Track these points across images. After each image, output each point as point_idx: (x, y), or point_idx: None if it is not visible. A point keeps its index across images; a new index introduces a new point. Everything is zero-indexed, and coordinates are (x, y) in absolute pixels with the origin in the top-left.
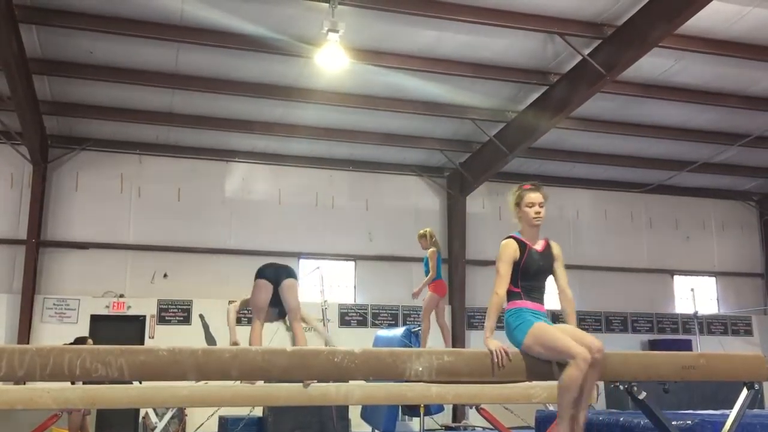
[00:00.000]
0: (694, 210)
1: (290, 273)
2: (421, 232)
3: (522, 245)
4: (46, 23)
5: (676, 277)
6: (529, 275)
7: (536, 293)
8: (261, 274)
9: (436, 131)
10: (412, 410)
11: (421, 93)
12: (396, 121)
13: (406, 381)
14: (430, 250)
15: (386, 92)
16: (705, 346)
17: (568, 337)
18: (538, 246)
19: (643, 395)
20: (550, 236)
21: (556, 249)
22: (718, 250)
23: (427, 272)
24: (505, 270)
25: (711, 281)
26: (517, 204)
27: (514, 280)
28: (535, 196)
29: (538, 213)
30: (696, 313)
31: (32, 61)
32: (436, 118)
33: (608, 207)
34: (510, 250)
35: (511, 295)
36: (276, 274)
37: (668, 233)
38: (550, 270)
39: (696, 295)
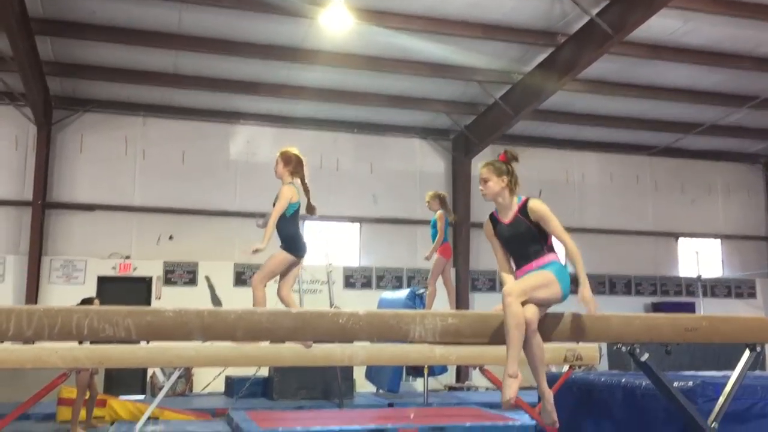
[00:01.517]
0: (700, 173)
1: None
2: (434, 193)
3: (493, 220)
4: None
5: (680, 240)
6: (506, 247)
7: (519, 261)
8: (300, 253)
9: (442, 93)
10: (416, 371)
11: (427, 54)
12: (401, 83)
13: (410, 342)
14: (439, 212)
15: (391, 53)
16: (708, 308)
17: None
18: (507, 217)
19: (645, 357)
20: (555, 199)
21: (534, 208)
22: (723, 213)
23: (434, 235)
24: (493, 248)
25: (716, 244)
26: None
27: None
28: (481, 172)
29: (482, 189)
30: (699, 276)
31: (34, 21)
32: (442, 80)
33: (614, 170)
34: (488, 229)
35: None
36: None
37: (674, 196)
38: (523, 237)
39: (700, 258)
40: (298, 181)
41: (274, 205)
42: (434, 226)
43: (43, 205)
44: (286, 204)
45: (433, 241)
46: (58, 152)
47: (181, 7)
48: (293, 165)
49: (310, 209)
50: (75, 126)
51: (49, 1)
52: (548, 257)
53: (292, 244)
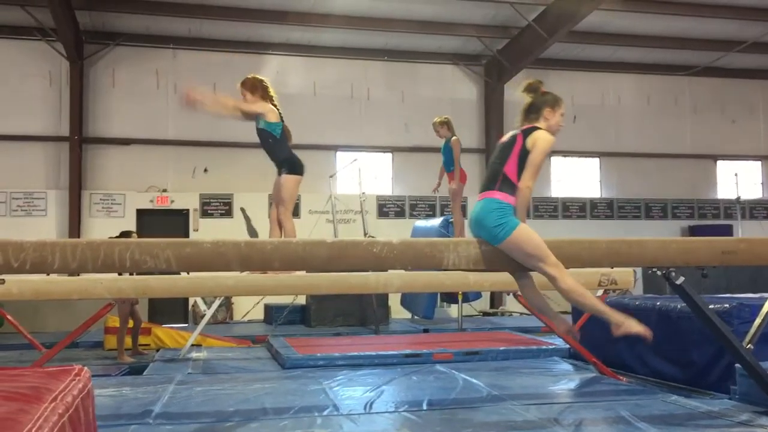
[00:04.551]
0: (741, 93)
1: None
2: (441, 119)
3: None
4: None
5: (719, 162)
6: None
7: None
8: (302, 171)
9: (473, 17)
10: (450, 297)
11: None
12: (431, 8)
13: (445, 270)
14: (454, 138)
15: None
16: (747, 231)
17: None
18: None
19: (680, 280)
20: (590, 124)
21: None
22: (765, 133)
23: (446, 162)
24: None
25: (756, 165)
26: (554, 107)
27: (520, 172)
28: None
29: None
30: (738, 198)
31: None
32: (473, 3)
33: (651, 92)
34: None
35: (513, 188)
36: None
37: (713, 118)
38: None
39: (740, 181)
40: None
41: (260, 133)
42: (446, 153)
43: (80, 140)
44: (255, 110)
45: (448, 168)
46: (91, 87)
47: None
48: (261, 90)
49: (287, 132)
50: (106, 60)
51: None
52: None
53: (295, 164)
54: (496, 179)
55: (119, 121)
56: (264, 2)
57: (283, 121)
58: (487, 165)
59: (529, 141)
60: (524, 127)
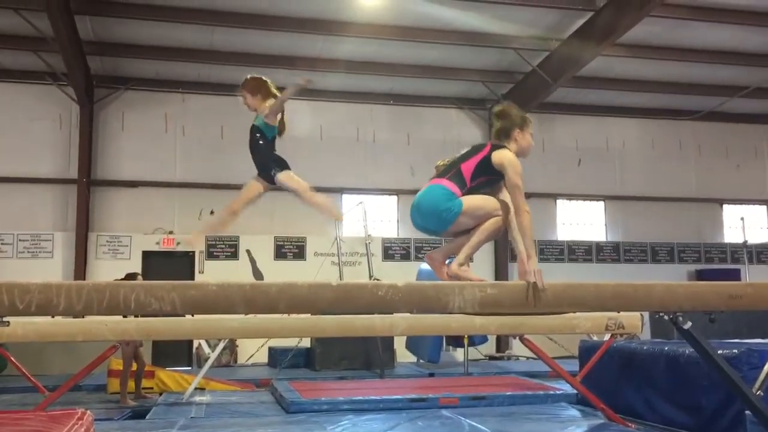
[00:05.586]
0: (745, 137)
1: None
2: (445, 162)
3: None
4: None
5: (725, 206)
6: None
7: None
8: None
9: (477, 62)
10: (456, 341)
11: (461, 23)
12: (436, 53)
13: (450, 313)
14: None
15: (425, 23)
16: (755, 275)
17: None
18: None
19: (688, 325)
20: (595, 167)
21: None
22: None
23: None
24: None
25: (762, 210)
26: (522, 128)
27: (475, 176)
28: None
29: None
30: (745, 242)
31: (74, 1)
32: (477, 49)
33: (655, 136)
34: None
35: (462, 184)
36: None
37: (718, 161)
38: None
39: (746, 224)
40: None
41: (252, 130)
42: None
43: (88, 183)
44: (270, 111)
45: None
46: (100, 130)
47: None
48: (263, 90)
49: (281, 126)
50: (116, 104)
51: None
52: None
53: (284, 161)
54: (449, 171)
55: (127, 164)
56: (272, 47)
57: (283, 114)
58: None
59: (495, 157)
60: (495, 142)
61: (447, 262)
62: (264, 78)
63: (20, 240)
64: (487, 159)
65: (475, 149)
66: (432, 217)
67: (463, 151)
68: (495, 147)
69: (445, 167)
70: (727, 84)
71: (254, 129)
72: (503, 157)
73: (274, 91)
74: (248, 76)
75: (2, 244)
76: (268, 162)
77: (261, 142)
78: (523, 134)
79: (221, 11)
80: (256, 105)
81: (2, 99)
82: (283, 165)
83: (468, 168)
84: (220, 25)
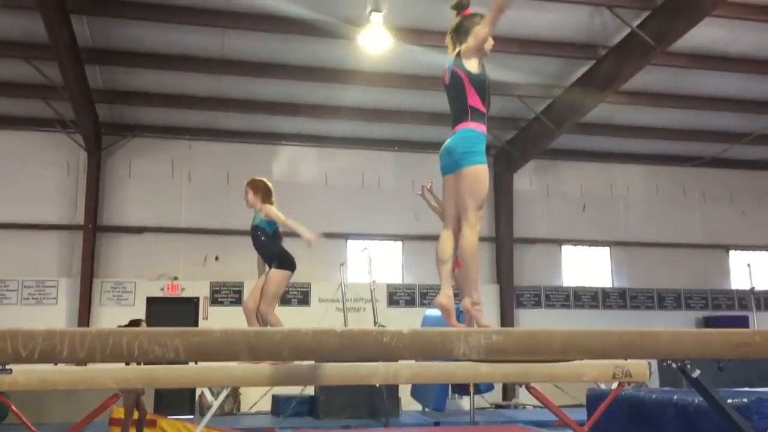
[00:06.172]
0: (749, 183)
1: None
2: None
3: None
4: (96, 13)
5: (731, 252)
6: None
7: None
8: (294, 267)
9: None
10: (462, 389)
11: None
12: (440, 100)
13: (455, 360)
14: None
15: (430, 71)
16: (763, 322)
17: None
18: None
19: (696, 373)
20: (600, 213)
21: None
22: None
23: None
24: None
25: None
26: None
27: (482, 98)
28: None
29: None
30: (752, 288)
31: (83, 51)
32: None
33: (659, 182)
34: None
35: (480, 116)
36: None
37: (723, 208)
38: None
39: (753, 271)
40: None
41: (254, 230)
42: None
43: (94, 229)
44: (278, 214)
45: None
46: (107, 176)
47: (224, 33)
48: (262, 192)
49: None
50: (123, 151)
51: (98, 31)
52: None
53: (285, 259)
54: (465, 113)
55: (134, 210)
56: (277, 95)
57: (280, 223)
58: (450, 104)
59: (463, 58)
60: (455, 54)
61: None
62: (268, 183)
63: (25, 286)
64: (469, 73)
65: (458, 83)
66: (453, 156)
67: (452, 94)
68: (459, 61)
69: (457, 113)
70: (729, 131)
71: (254, 228)
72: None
73: (273, 198)
74: (255, 177)
75: (7, 290)
76: (270, 257)
77: (263, 238)
78: (482, 26)
79: (229, 60)
80: (255, 203)
81: (11, 146)
82: (284, 264)
83: (474, 99)
84: (227, 74)
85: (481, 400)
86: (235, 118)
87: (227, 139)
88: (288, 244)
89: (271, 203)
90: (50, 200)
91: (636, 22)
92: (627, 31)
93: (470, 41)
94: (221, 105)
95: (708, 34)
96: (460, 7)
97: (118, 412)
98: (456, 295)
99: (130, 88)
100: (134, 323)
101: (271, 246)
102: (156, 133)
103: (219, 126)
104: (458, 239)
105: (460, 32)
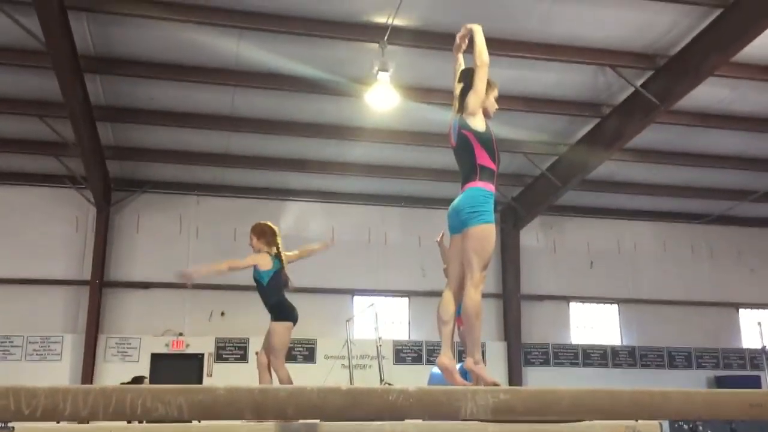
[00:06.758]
0: (757, 240)
1: None
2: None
3: None
4: (108, 72)
5: (741, 310)
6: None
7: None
8: (294, 317)
9: None
10: None
11: None
12: (447, 157)
13: (462, 420)
14: None
15: (437, 129)
16: None
17: None
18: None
19: None
20: (607, 269)
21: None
22: None
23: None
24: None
25: None
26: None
27: (491, 155)
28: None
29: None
30: (764, 347)
31: (96, 109)
32: None
33: (667, 239)
34: None
35: (489, 175)
36: None
37: (731, 265)
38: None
39: (764, 329)
40: (274, 249)
41: (254, 279)
42: None
43: (100, 284)
44: (248, 264)
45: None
46: (115, 232)
47: (234, 91)
48: (267, 236)
49: (285, 279)
50: (132, 206)
51: (110, 89)
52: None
53: (284, 311)
54: (474, 172)
55: (140, 265)
56: (285, 151)
57: (283, 266)
58: (458, 163)
59: (466, 115)
60: (459, 117)
61: (458, 366)
62: (271, 225)
63: (30, 342)
64: (474, 132)
65: (465, 144)
66: (460, 216)
67: (460, 154)
68: (463, 121)
69: (466, 172)
70: (735, 188)
71: (254, 279)
72: (468, 98)
73: (279, 240)
74: (261, 222)
75: (11, 346)
76: (268, 308)
77: (258, 288)
78: (487, 96)
79: (238, 117)
80: (258, 248)
81: (21, 201)
82: (282, 315)
83: (483, 157)
84: (236, 131)
85: None
86: (243, 174)
87: (235, 195)
88: (293, 299)
89: (275, 244)
90: (58, 255)
91: (639, 82)
92: (631, 90)
93: (471, 97)
94: (230, 161)
95: (711, 93)
96: (464, 77)
97: None
98: (462, 352)
99: (140, 145)
100: (137, 380)
101: (267, 296)
102: (165, 189)
103: (227, 182)
104: (459, 300)
105: (462, 94)
